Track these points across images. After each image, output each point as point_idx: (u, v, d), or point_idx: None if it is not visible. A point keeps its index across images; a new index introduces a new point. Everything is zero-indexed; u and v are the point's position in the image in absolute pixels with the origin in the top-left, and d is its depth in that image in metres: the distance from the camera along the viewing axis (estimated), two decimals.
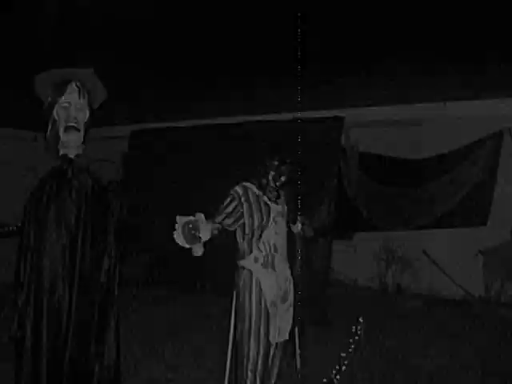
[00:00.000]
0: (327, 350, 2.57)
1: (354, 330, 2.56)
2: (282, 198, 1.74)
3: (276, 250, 1.65)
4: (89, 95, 1.40)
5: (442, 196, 3.48)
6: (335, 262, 3.87)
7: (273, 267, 1.64)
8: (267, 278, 1.63)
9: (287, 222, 1.76)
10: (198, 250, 1.57)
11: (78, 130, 1.37)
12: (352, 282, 4.35)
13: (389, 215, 3.60)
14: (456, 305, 3.66)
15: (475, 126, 3.61)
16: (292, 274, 1.77)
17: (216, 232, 1.62)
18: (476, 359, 2.47)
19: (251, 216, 1.63)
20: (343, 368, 2.22)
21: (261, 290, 1.61)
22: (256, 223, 1.63)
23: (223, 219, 1.63)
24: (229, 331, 1.89)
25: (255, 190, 1.68)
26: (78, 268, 1.33)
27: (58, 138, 1.38)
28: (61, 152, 1.39)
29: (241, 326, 1.62)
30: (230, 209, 1.64)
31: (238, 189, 1.66)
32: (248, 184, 1.69)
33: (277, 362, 1.74)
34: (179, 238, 1.56)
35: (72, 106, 1.36)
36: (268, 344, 1.63)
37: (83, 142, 1.41)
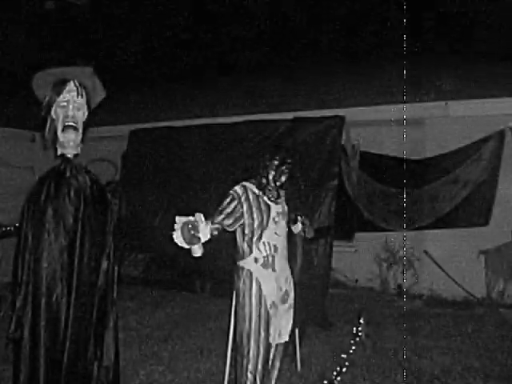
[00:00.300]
0: (328, 351, 2.55)
1: (354, 331, 2.54)
2: (282, 197, 1.73)
3: (276, 251, 1.64)
4: (87, 94, 1.40)
5: (443, 196, 3.46)
6: (336, 263, 3.84)
7: (273, 268, 1.63)
8: (267, 279, 1.61)
9: (287, 223, 1.74)
10: (198, 251, 1.56)
11: (77, 130, 1.37)
12: (353, 283, 4.33)
13: (390, 215, 3.58)
14: (458, 306, 3.63)
15: (477, 126, 3.59)
16: (292, 275, 1.75)
17: (215, 232, 1.61)
18: (478, 361, 2.45)
19: (251, 216, 1.62)
20: (344, 369, 2.20)
21: (261, 290, 1.60)
22: (256, 223, 1.62)
23: (223, 219, 1.62)
24: (228, 332, 1.88)
25: (255, 189, 1.66)
26: (77, 268, 1.32)
27: (56, 137, 1.37)
28: (59, 151, 1.38)
29: (240, 327, 1.61)
30: (229, 209, 1.62)
31: (238, 189, 1.65)
32: (248, 184, 1.67)
33: (277, 364, 1.72)
34: (178, 239, 1.55)
35: (70, 105, 1.35)
36: (268, 345, 1.62)
37: (82, 142, 1.40)
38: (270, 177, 1.67)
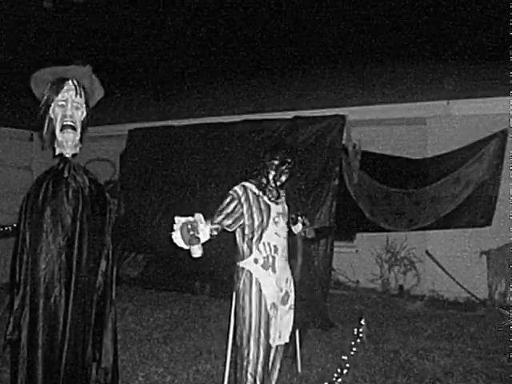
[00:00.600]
0: (328, 352, 2.54)
1: (355, 333, 2.53)
2: (283, 198, 1.71)
3: (276, 251, 1.62)
4: (86, 93, 1.39)
5: (445, 196, 3.44)
6: (337, 263, 3.84)
7: (273, 268, 1.61)
8: (267, 280, 1.60)
9: (288, 223, 1.73)
10: (197, 251, 1.54)
11: (75, 129, 1.36)
12: (354, 284, 4.32)
13: (391, 215, 3.56)
14: (459, 307, 3.62)
15: (479, 125, 3.57)
16: (293, 276, 1.74)
17: (215, 233, 1.60)
18: (480, 362, 2.43)
19: (251, 216, 1.60)
20: (345, 371, 2.18)
21: (261, 291, 1.58)
22: (256, 223, 1.60)
23: (222, 220, 1.61)
24: (228, 333, 1.86)
25: (255, 189, 1.65)
26: (75, 269, 1.31)
27: (54, 137, 1.36)
28: (57, 151, 1.37)
29: (240, 329, 1.59)
30: (229, 209, 1.61)
31: (238, 189, 1.64)
32: (248, 184, 1.66)
33: (277, 366, 1.71)
34: (178, 239, 1.54)
35: (69, 105, 1.34)
36: (268, 347, 1.61)
37: (80, 141, 1.39)
38: (270, 177, 1.65)
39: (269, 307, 1.58)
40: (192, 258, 1.58)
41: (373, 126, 3.97)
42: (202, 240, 1.55)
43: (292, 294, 1.70)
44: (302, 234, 1.85)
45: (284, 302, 1.66)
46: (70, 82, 1.36)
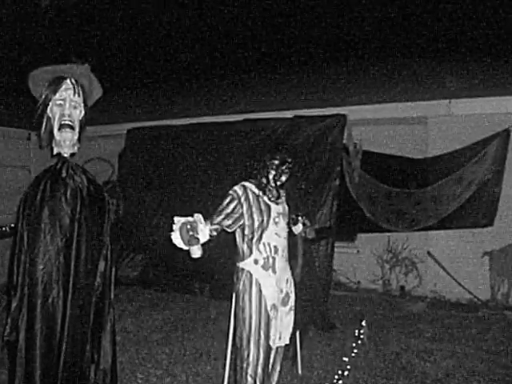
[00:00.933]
0: (329, 354, 2.52)
1: (356, 334, 2.51)
2: (283, 198, 1.70)
3: (277, 252, 1.61)
4: (84, 92, 1.38)
5: (447, 196, 3.41)
6: (338, 264, 3.81)
7: (273, 269, 1.60)
8: (267, 281, 1.59)
9: (288, 223, 1.71)
10: (197, 252, 1.53)
11: (73, 128, 1.35)
12: (355, 285, 4.29)
13: (392, 216, 3.53)
14: (462, 308, 3.59)
15: (481, 124, 3.54)
16: (293, 276, 1.72)
17: (215, 233, 1.59)
18: (483, 364, 2.41)
19: (251, 217, 1.59)
20: (346, 373, 2.17)
21: (261, 292, 1.57)
22: (256, 224, 1.59)
23: (222, 220, 1.59)
24: (228, 335, 1.85)
25: (255, 189, 1.64)
26: (73, 270, 1.30)
27: (52, 136, 1.35)
28: (55, 151, 1.36)
29: (240, 330, 1.58)
30: (229, 209, 1.60)
31: (238, 189, 1.63)
32: (248, 184, 1.65)
33: (277, 367, 1.70)
34: (177, 239, 1.53)
35: (67, 104, 1.33)
36: (268, 348, 1.59)
37: (78, 141, 1.38)
38: (271, 176, 1.64)
39: (269, 308, 1.57)
40: (191, 259, 1.57)
41: (374, 126, 3.95)
42: (202, 240, 1.54)
43: (292, 295, 1.69)
44: (303, 235, 1.83)
45: (284, 303, 1.64)
46: (68, 80, 1.35)
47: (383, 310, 3.55)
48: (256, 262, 1.59)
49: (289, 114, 3.62)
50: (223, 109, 4.01)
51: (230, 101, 3.83)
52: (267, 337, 1.57)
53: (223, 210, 1.60)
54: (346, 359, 2.27)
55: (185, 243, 1.52)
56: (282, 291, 1.63)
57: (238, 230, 1.63)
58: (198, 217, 1.55)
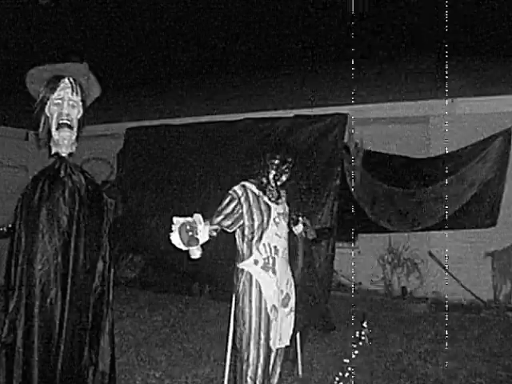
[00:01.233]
0: (330, 356, 2.51)
1: (357, 335, 2.49)
2: (283, 198, 1.68)
3: (277, 253, 1.60)
4: (82, 91, 1.36)
5: (449, 196, 3.38)
6: (338, 265, 3.79)
7: (273, 270, 1.58)
8: (268, 282, 1.57)
9: (288, 224, 1.70)
10: (196, 252, 1.52)
11: (71, 128, 1.34)
12: (356, 285, 4.27)
13: (394, 216, 3.51)
14: (463, 309, 3.57)
15: (484, 124, 3.51)
16: (293, 277, 1.70)
17: (214, 233, 1.58)
18: (485, 366, 2.39)
19: (251, 217, 1.58)
20: (347, 375, 2.15)
21: (261, 293, 1.56)
22: (256, 224, 1.58)
23: (222, 220, 1.58)
24: (227, 336, 1.84)
25: (255, 189, 1.62)
26: (71, 271, 1.29)
27: (50, 135, 1.34)
28: (53, 150, 1.35)
29: (240, 331, 1.57)
30: (228, 209, 1.59)
31: (238, 189, 1.61)
32: (248, 184, 1.63)
33: (277, 369, 1.68)
34: (176, 240, 1.52)
35: (65, 103, 1.32)
36: (268, 350, 1.58)
37: (76, 140, 1.37)
38: (271, 176, 1.63)
39: (269, 309, 1.56)
40: (191, 260, 1.56)
41: (375, 125, 3.93)
42: (201, 241, 1.53)
43: (293, 296, 1.67)
44: (303, 235, 1.82)
45: (285, 304, 1.63)
46: (66, 79, 1.34)
47: (384, 311, 3.54)
48: (256, 262, 1.58)
49: (289, 114, 3.61)
50: (223, 108, 4.00)
51: (230, 100, 3.81)
52: (267, 338, 1.55)
53: (223, 210, 1.59)
54: (346, 361, 2.25)
55: (184, 244, 1.51)
56: (282, 292, 1.61)
57: (238, 230, 1.61)
58: (198, 217, 1.53)
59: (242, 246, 1.61)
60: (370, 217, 3.41)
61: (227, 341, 1.84)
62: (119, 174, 4.21)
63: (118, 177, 4.19)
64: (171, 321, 3.11)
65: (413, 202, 3.49)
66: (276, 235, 1.60)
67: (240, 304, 1.57)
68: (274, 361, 1.66)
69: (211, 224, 1.56)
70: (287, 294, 1.64)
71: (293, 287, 1.68)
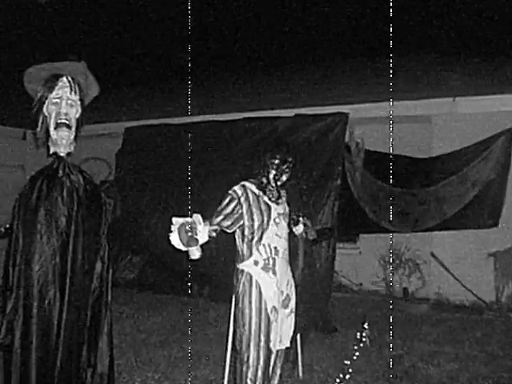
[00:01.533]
0: (330, 357, 2.50)
1: (358, 336, 2.47)
2: (283, 198, 1.67)
3: (277, 253, 1.59)
4: (81, 90, 1.35)
5: (451, 196, 3.37)
6: (339, 265, 3.78)
7: (274, 271, 1.57)
8: (268, 282, 1.56)
9: (289, 224, 1.69)
10: (196, 253, 1.51)
11: (70, 127, 1.33)
12: (357, 286, 4.26)
13: (395, 216, 3.49)
14: (465, 310, 3.56)
15: (486, 123, 3.49)
16: (294, 278, 1.69)
17: (214, 234, 1.57)
18: (487, 367, 2.37)
19: (251, 217, 1.57)
20: (347, 376, 2.13)
21: (261, 294, 1.55)
22: (256, 224, 1.57)
23: (221, 220, 1.57)
24: (227, 338, 1.82)
25: (255, 189, 1.61)
26: (70, 271, 1.28)
27: (48, 135, 1.33)
28: (51, 150, 1.34)
29: (240, 333, 1.56)
30: (228, 210, 1.58)
31: (237, 189, 1.60)
32: (247, 183, 1.62)
33: (277, 371, 1.67)
34: (175, 240, 1.51)
35: (63, 102, 1.31)
36: (268, 351, 1.57)
37: (75, 140, 1.36)
38: (271, 176, 1.62)
39: (269, 311, 1.55)
40: (190, 260, 1.55)
41: (376, 124, 3.91)
42: (201, 241, 1.52)
43: (293, 297, 1.66)
44: (304, 235, 1.80)
45: (285, 305, 1.62)
46: (64, 78, 1.32)
47: (386, 312, 3.52)
48: (256, 263, 1.57)
49: (290, 113, 3.59)
50: (223, 107, 3.98)
51: (230, 99, 3.80)
52: (267, 340, 1.54)
53: (222, 210, 1.58)
54: (347, 362, 2.23)
55: (183, 244, 1.50)
56: (282, 293, 1.60)
57: (238, 230, 1.60)
58: (197, 217, 1.53)
59: (242, 247, 1.60)
60: (371, 217, 3.39)
61: (227, 342, 1.83)
62: (118, 173, 4.20)
63: (117, 177, 4.19)
64: (170, 322, 3.10)
65: (414, 202, 3.47)
66: (276, 236, 1.59)
67: (240, 305, 1.56)
68: (274, 362, 1.65)
69: (211, 224, 1.55)
70: (287, 294, 1.63)
71: (293, 288, 1.67)
